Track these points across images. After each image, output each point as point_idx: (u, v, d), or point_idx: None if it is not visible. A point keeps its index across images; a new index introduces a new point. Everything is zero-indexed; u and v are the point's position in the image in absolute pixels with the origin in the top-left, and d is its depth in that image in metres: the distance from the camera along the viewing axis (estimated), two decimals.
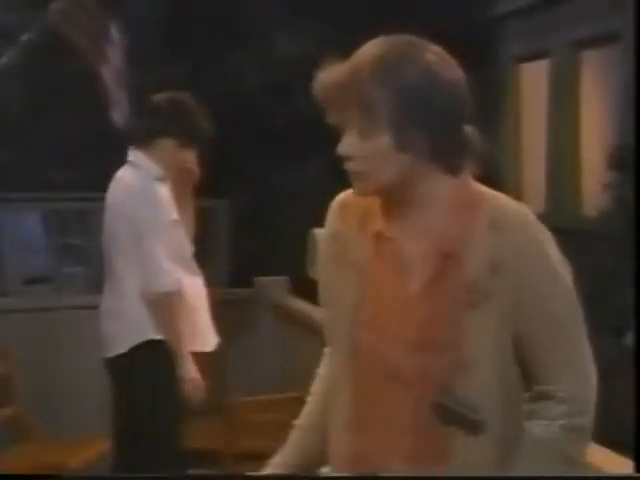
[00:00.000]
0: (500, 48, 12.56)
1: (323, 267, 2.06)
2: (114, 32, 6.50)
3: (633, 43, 8.56)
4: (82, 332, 3.69)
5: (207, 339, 3.95)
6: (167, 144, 3.76)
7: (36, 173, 12.31)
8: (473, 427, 1.86)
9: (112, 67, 6.45)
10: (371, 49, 1.87)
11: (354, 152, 1.88)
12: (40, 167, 12.39)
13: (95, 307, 3.76)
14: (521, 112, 12.63)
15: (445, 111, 1.84)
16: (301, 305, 5.05)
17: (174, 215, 3.77)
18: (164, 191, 3.75)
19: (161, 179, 3.76)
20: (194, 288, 3.91)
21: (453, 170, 1.91)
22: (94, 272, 8.00)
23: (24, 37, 7.64)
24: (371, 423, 1.93)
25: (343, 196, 2.05)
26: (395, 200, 1.92)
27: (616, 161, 8.78)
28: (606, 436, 2.91)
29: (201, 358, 3.84)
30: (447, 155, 1.89)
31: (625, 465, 2.68)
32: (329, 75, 1.87)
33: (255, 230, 10.30)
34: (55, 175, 11.96)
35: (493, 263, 1.88)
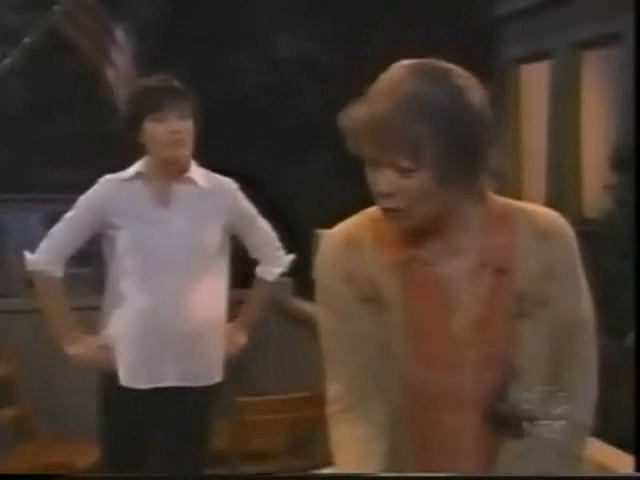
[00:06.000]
0: (501, 49, 12.58)
1: (343, 312, 1.92)
2: (118, 34, 6.50)
3: (634, 44, 8.58)
4: (85, 333, 3.68)
5: (144, 376, 3.54)
6: (148, 127, 3.47)
7: (38, 174, 12.32)
8: (527, 432, 1.87)
9: (117, 69, 6.45)
10: (406, 84, 1.78)
11: (393, 190, 1.81)
12: (42, 168, 12.40)
13: (97, 308, 3.76)
14: (522, 113, 12.64)
15: (479, 141, 1.81)
16: (304, 306, 5.05)
17: (114, 218, 3.52)
18: (115, 188, 3.56)
19: (132, 177, 3.56)
20: (151, 313, 3.52)
21: (481, 192, 1.90)
22: (96, 273, 8.02)
23: (27, 39, 7.64)
24: (431, 457, 1.91)
25: (340, 231, 1.97)
26: (425, 228, 1.87)
27: (617, 162, 8.79)
28: (607, 436, 2.93)
29: None
30: (479, 181, 1.86)
31: (627, 462, 2.70)
32: (364, 111, 1.79)
33: None
34: (57, 176, 11.97)
35: (547, 269, 1.89)
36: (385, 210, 1.86)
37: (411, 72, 1.81)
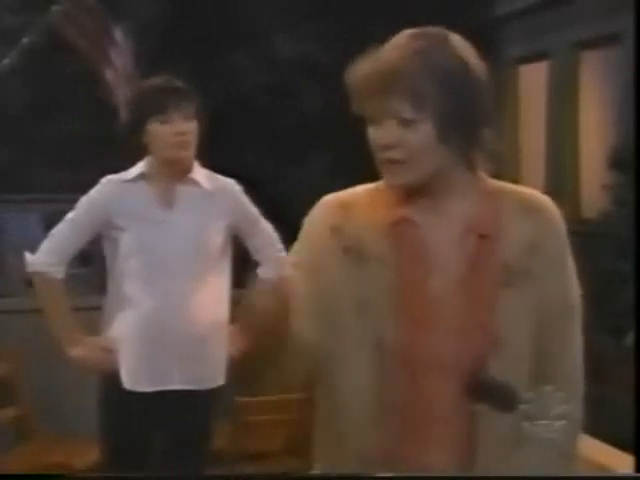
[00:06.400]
0: (500, 49, 12.58)
1: (322, 263, 1.94)
2: (117, 34, 6.51)
3: (633, 44, 8.58)
4: (85, 333, 3.68)
5: (148, 379, 3.51)
6: (152, 127, 3.44)
7: (37, 174, 12.33)
8: (509, 404, 1.87)
9: (115, 70, 6.45)
10: (411, 41, 1.87)
11: (395, 141, 1.86)
12: (41, 168, 12.41)
13: (97, 308, 3.76)
14: (520, 113, 12.64)
15: (476, 105, 1.88)
16: None
17: (116, 220, 3.49)
18: (118, 188, 3.53)
19: (135, 178, 3.53)
20: (155, 315, 3.47)
21: (473, 165, 1.94)
22: (95, 273, 8.03)
23: (26, 39, 7.65)
24: (405, 418, 1.91)
25: (333, 197, 2.02)
26: (417, 191, 1.92)
27: (615, 162, 8.80)
28: (606, 436, 2.94)
29: None
30: (473, 149, 1.91)
31: (627, 462, 2.71)
32: (369, 65, 1.86)
33: None
34: (56, 176, 11.99)
35: (532, 244, 1.92)
36: (386, 162, 1.89)
37: (415, 35, 1.89)
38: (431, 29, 1.91)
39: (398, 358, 1.90)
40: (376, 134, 1.88)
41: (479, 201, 1.94)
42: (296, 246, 2.02)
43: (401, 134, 1.85)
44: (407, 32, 1.90)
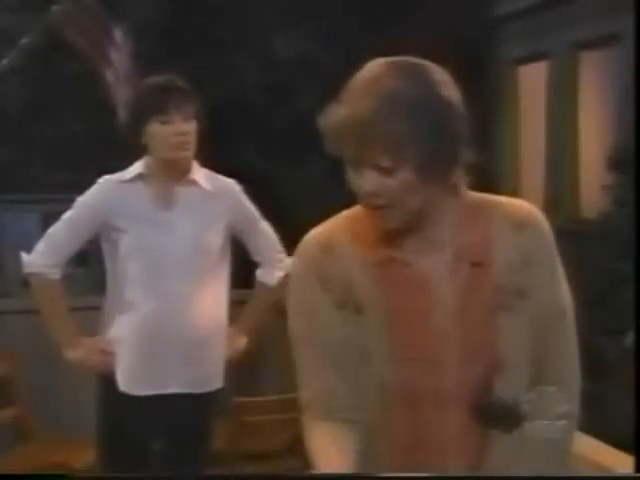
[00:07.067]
0: (499, 50, 12.58)
1: (320, 319, 1.93)
2: (117, 34, 6.52)
3: (632, 44, 8.57)
4: (81, 333, 3.67)
5: (147, 382, 3.48)
6: (152, 128, 3.39)
7: (36, 174, 12.32)
8: (516, 424, 1.87)
9: (115, 70, 6.46)
10: (383, 82, 1.79)
11: (377, 189, 1.82)
12: (40, 168, 12.40)
13: (95, 308, 3.75)
14: (520, 114, 12.64)
15: (455, 135, 1.82)
16: None
17: (114, 220, 3.45)
18: (114, 190, 3.48)
19: (133, 179, 3.48)
20: (155, 317, 3.44)
21: (456, 187, 1.91)
22: (94, 273, 8.03)
23: (25, 39, 7.66)
24: (415, 451, 1.90)
25: (316, 236, 1.97)
26: (405, 224, 1.88)
27: (615, 162, 8.79)
28: (606, 436, 2.93)
29: None
30: (454, 176, 1.88)
31: (627, 462, 2.70)
32: (344, 112, 1.80)
33: None
34: (54, 176, 11.98)
35: (524, 259, 1.91)
36: (371, 208, 1.87)
37: (388, 70, 1.82)
38: (401, 59, 1.85)
39: (405, 396, 1.88)
40: (357, 181, 1.85)
41: (466, 225, 1.91)
42: (291, 301, 2.01)
43: (382, 181, 1.81)
44: (377, 64, 1.84)
